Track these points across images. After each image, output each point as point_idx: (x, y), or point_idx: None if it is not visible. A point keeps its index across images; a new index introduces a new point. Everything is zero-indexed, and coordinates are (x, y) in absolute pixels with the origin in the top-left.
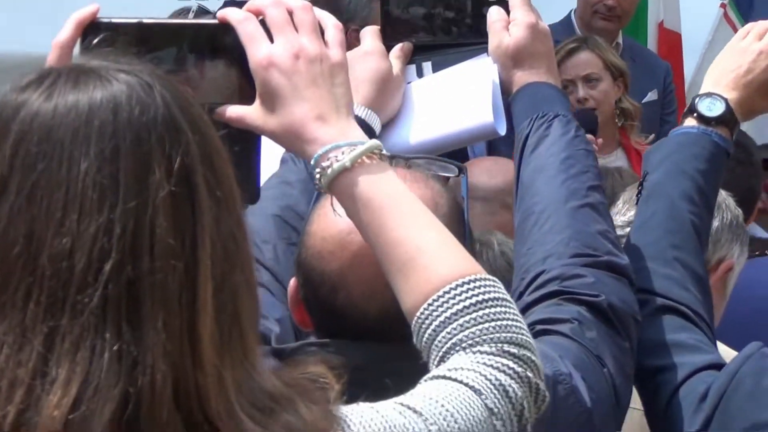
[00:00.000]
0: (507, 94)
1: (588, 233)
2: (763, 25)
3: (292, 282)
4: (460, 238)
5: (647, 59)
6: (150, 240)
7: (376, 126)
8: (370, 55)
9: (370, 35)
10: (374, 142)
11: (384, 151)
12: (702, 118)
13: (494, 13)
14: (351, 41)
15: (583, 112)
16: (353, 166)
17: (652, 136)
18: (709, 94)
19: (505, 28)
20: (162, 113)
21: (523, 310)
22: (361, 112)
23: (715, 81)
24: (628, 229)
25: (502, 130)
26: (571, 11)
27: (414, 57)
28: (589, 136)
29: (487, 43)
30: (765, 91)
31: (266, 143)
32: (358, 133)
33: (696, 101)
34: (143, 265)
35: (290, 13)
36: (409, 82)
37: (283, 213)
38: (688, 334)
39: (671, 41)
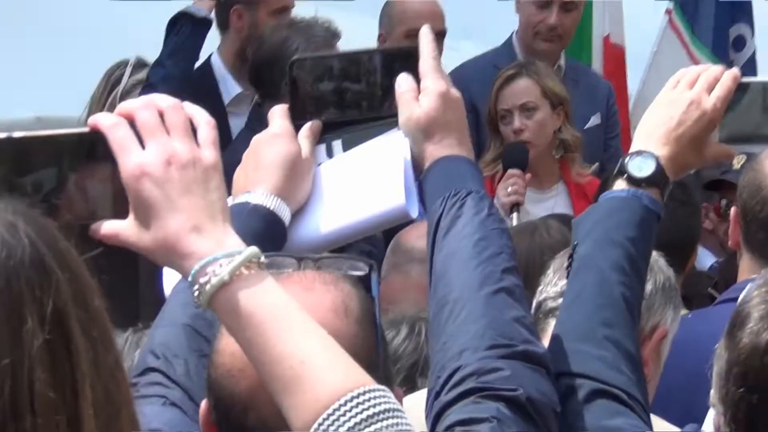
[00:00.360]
0: (419, 170)
1: (504, 321)
2: (694, 73)
3: (204, 404)
4: (372, 340)
5: (589, 80)
6: (30, 396)
7: (286, 216)
8: (279, 137)
9: (278, 115)
10: (252, 250)
11: (263, 259)
12: (632, 180)
13: (403, 82)
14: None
15: (513, 145)
16: (232, 280)
17: (595, 166)
18: (639, 152)
19: (414, 99)
20: (29, 254)
21: (441, 411)
22: (270, 202)
23: (646, 136)
24: (560, 300)
25: (414, 212)
26: (512, 33)
27: (323, 135)
28: (517, 171)
29: (397, 115)
30: (696, 144)
31: None
32: (235, 241)
33: (626, 161)
34: (26, 424)
35: (161, 114)
36: (319, 164)
37: (193, 322)
38: (624, 419)
39: (617, 56)
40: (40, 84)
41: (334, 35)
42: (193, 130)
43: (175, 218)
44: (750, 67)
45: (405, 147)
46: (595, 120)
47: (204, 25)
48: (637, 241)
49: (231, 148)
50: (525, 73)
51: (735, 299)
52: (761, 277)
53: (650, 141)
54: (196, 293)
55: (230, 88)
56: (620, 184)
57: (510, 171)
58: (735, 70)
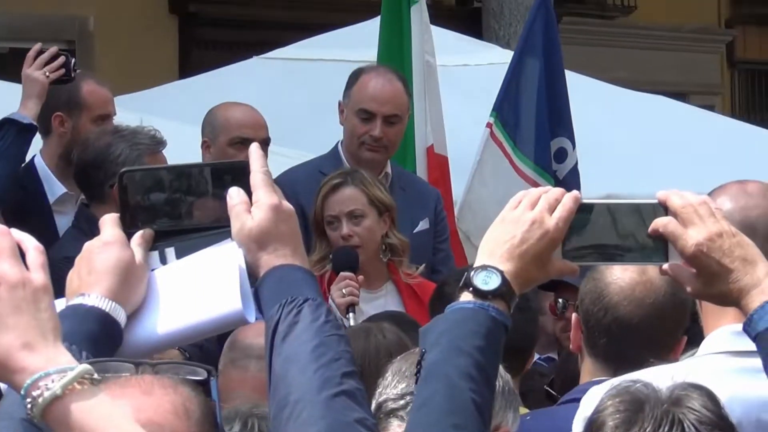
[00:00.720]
0: (254, 278)
1: (344, 423)
2: (535, 194)
3: None
4: None
5: (417, 187)
6: None
7: (122, 318)
8: (111, 244)
9: (109, 224)
10: (84, 367)
11: (96, 375)
12: (478, 293)
13: (234, 195)
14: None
15: (343, 250)
16: (64, 394)
17: (422, 267)
18: (484, 267)
19: (246, 211)
20: None
21: None
22: (105, 305)
23: (490, 252)
24: (401, 401)
25: (251, 317)
26: (338, 142)
27: (156, 243)
28: (349, 274)
29: (230, 226)
30: (540, 261)
31: None
32: (67, 359)
33: (471, 275)
34: None
35: None
36: (152, 269)
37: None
38: None
39: (441, 165)
40: None
41: (159, 143)
42: (22, 255)
43: (5, 335)
44: (573, 179)
45: (239, 255)
46: (423, 225)
47: (29, 131)
48: (485, 349)
49: (57, 245)
50: (351, 182)
51: (578, 400)
52: (613, 387)
53: (493, 257)
54: (29, 406)
55: (54, 188)
56: (466, 296)
57: (343, 273)
58: (576, 193)
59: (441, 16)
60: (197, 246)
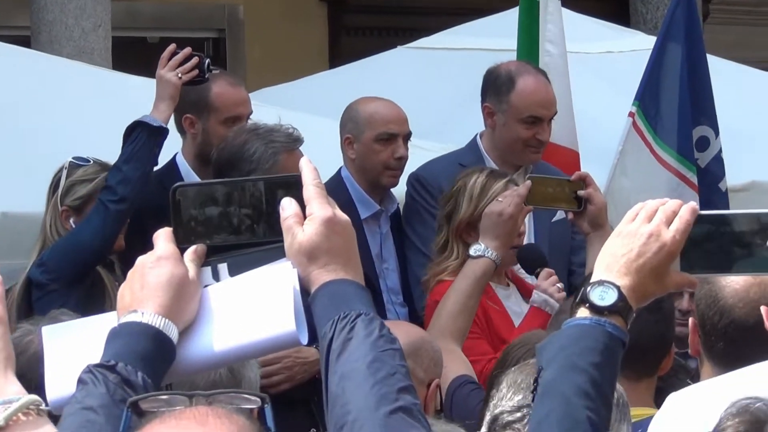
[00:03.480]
0: (306, 293)
1: None
2: (652, 207)
3: None
4: None
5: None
6: None
7: (174, 335)
8: (164, 260)
9: (163, 239)
10: (31, 397)
11: (43, 406)
12: (594, 308)
13: (286, 207)
14: None
15: (530, 247)
16: (8, 425)
17: None
18: (600, 282)
19: (298, 224)
20: None
21: None
22: (158, 322)
23: (607, 266)
24: (518, 414)
25: (304, 339)
26: (477, 135)
27: (209, 258)
28: (550, 270)
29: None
30: (657, 274)
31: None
32: (15, 389)
33: (588, 290)
34: None
35: None
36: (205, 285)
37: None
38: None
39: (565, 158)
40: (5, 181)
41: (296, 140)
42: None
43: None
44: (717, 167)
45: (293, 275)
46: (560, 214)
47: (160, 134)
48: (601, 366)
49: None
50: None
51: None
52: (733, 405)
53: (611, 272)
54: None
55: None
56: (583, 312)
57: (546, 270)
58: (693, 204)
59: (587, 1)
60: (250, 261)
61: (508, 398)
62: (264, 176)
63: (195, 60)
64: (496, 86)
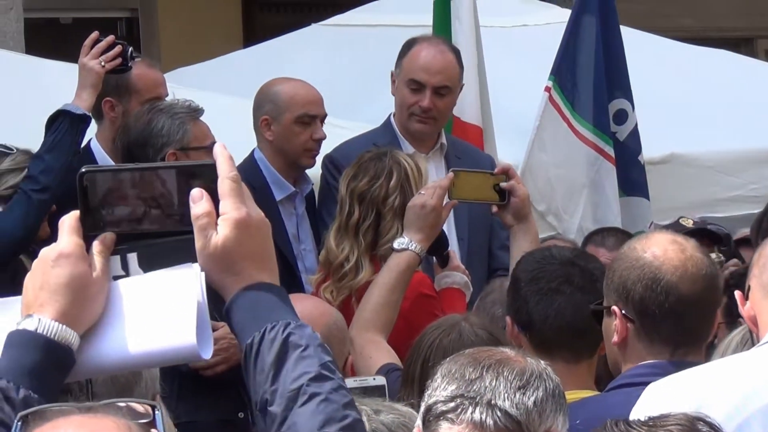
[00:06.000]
0: (221, 301)
1: None
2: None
3: None
4: None
5: (471, 154)
6: None
7: (73, 341)
8: (64, 258)
9: (67, 230)
10: None
11: None
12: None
13: (198, 203)
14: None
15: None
16: None
17: None
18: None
19: (210, 225)
20: None
21: None
22: (53, 329)
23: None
24: (452, 404)
25: (207, 354)
26: (390, 114)
27: (118, 247)
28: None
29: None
30: None
31: None
32: None
33: None
34: None
35: None
36: (114, 276)
37: None
38: None
39: (468, 134)
40: None
41: (196, 110)
42: None
43: None
44: (634, 141)
45: (202, 282)
46: None
47: (83, 122)
48: None
49: None
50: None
51: (628, 385)
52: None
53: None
54: None
55: None
56: None
57: (450, 250)
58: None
59: None
60: (161, 252)
61: (442, 388)
62: (176, 163)
63: (118, 48)
64: (400, 53)
